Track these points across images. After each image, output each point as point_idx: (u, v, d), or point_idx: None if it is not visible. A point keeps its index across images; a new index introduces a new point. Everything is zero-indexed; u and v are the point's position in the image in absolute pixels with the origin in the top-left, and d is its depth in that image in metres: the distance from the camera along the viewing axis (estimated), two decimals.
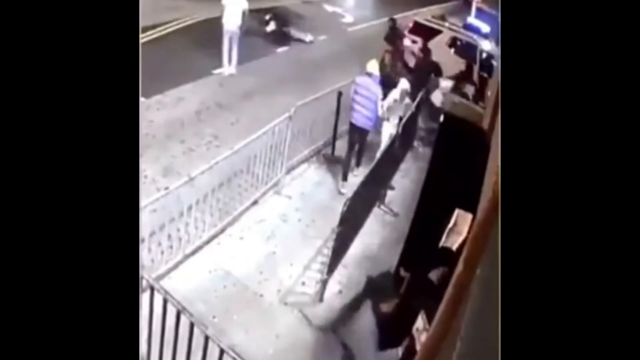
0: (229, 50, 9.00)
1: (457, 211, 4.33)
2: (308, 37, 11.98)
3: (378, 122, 6.72)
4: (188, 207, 4.62)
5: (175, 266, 4.68)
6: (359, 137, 6.67)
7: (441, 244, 4.15)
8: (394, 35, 10.25)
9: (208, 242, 5.07)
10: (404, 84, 6.95)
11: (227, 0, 8.68)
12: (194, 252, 4.89)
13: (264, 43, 11.01)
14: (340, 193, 6.33)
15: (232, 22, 8.72)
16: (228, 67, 9.12)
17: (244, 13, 8.76)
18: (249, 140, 5.22)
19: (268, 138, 5.51)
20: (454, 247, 4.09)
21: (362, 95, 6.45)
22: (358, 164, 7.00)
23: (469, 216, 4.28)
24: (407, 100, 6.96)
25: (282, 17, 11.95)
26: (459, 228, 4.17)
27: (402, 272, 4.26)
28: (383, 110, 6.61)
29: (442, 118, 6.10)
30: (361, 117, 6.48)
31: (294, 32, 11.89)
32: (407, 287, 4.05)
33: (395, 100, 6.75)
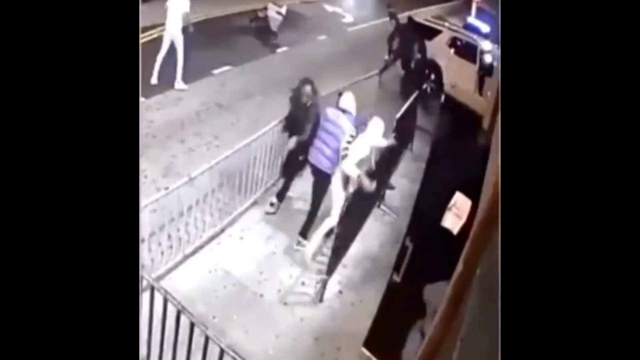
0: (162, 59, 7.94)
1: (457, 194, 4.46)
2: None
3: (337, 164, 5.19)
4: (188, 207, 4.62)
5: (175, 266, 4.68)
6: (315, 183, 5.37)
7: (442, 223, 4.31)
8: (401, 29, 10.20)
9: (208, 242, 5.07)
10: (377, 127, 5.21)
11: (170, 2, 7.80)
12: (194, 252, 4.89)
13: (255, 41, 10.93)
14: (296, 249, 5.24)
15: (173, 25, 7.81)
16: (156, 79, 7.90)
17: (185, 16, 7.83)
18: (249, 140, 5.22)
19: (268, 138, 5.51)
20: (455, 231, 4.23)
21: (327, 130, 5.18)
22: (305, 232, 5.31)
23: (469, 202, 4.40)
24: (382, 142, 5.34)
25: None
26: (459, 212, 4.31)
27: (407, 242, 4.56)
28: (345, 152, 5.03)
29: (442, 98, 6.22)
30: (320, 156, 5.19)
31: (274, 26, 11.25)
32: (410, 256, 4.38)
33: (371, 150, 5.09)
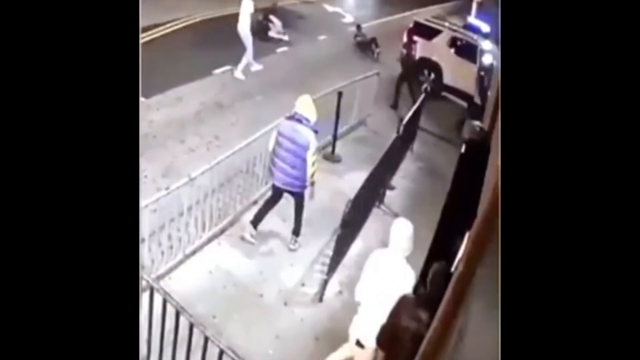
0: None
1: (468, 234, 4.25)
2: (285, 37, 11.65)
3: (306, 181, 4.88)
4: (188, 207, 4.63)
5: (175, 266, 4.68)
6: (293, 199, 5.12)
7: (452, 269, 4.01)
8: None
9: (208, 242, 5.07)
10: (405, 232, 3.63)
11: (243, 3, 8.89)
12: (194, 252, 4.89)
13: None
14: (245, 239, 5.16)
15: (245, 25, 8.94)
16: (240, 71, 9.15)
17: (252, 15, 9.06)
18: (249, 140, 5.23)
19: (268, 138, 5.51)
20: None
21: (286, 148, 4.67)
22: (296, 233, 5.24)
23: None
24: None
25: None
26: None
27: (422, 291, 4.04)
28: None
29: (463, 148, 5.80)
30: (285, 177, 4.79)
31: (273, 32, 11.58)
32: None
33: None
